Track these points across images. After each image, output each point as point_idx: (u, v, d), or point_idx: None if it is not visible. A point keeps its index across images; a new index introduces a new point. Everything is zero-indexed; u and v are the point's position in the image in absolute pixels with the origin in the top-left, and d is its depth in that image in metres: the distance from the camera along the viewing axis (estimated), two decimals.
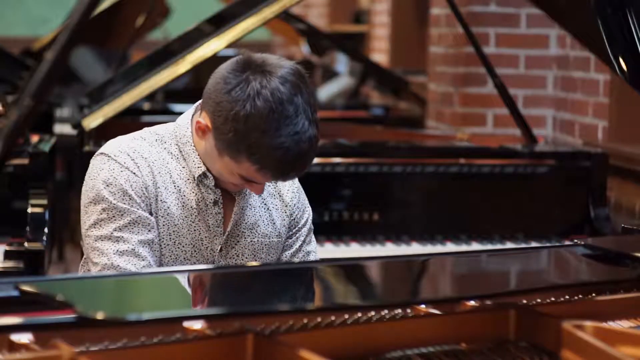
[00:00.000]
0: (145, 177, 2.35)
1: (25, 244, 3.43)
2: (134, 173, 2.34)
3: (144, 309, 1.84)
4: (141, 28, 6.35)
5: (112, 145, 2.39)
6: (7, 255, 3.39)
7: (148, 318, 1.73)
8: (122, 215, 2.32)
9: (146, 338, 1.67)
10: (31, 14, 10.69)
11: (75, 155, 3.90)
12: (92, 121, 3.84)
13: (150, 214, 2.35)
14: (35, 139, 3.88)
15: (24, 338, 1.63)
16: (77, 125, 3.90)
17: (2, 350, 1.63)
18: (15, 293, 1.80)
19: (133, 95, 3.86)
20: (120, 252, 2.32)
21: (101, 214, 2.33)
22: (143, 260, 2.32)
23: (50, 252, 3.68)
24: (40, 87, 2.04)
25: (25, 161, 3.57)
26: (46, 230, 3.48)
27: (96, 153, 2.39)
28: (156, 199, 2.36)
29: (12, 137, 2.04)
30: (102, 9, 5.28)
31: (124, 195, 2.33)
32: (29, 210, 3.51)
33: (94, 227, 2.34)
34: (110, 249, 2.32)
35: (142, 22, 6.21)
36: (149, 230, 2.34)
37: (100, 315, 1.69)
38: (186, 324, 1.72)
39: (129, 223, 2.33)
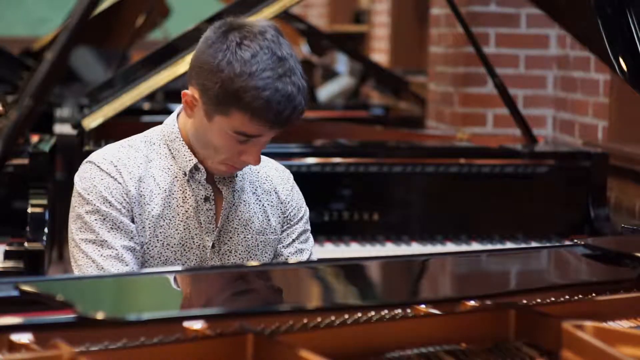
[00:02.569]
0: (127, 182, 2.35)
1: (25, 244, 3.43)
2: (115, 179, 2.35)
3: (144, 309, 1.84)
4: (141, 28, 6.36)
5: (98, 153, 2.40)
6: (7, 255, 3.39)
7: (148, 318, 1.73)
8: (104, 219, 2.33)
9: (146, 338, 1.67)
10: (31, 14, 10.69)
11: (75, 155, 3.89)
12: (92, 121, 3.84)
13: (133, 220, 2.36)
14: (35, 139, 3.88)
15: (24, 338, 1.63)
16: (77, 125, 3.90)
17: (2, 350, 1.63)
18: (15, 293, 1.80)
19: (133, 95, 3.86)
20: (105, 256, 2.32)
21: (84, 217, 2.34)
22: (127, 265, 2.33)
23: (50, 252, 3.68)
24: (40, 87, 2.05)
25: (25, 161, 3.58)
26: (46, 230, 3.49)
27: (84, 161, 2.40)
28: (139, 204, 2.36)
29: (12, 137, 2.04)
30: (102, 9, 5.28)
31: (104, 201, 2.34)
32: (29, 210, 3.51)
33: (80, 231, 2.35)
34: (95, 253, 2.33)
35: (142, 22, 6.22)
36: (131, 238, 2.35)
37: (100, 315, 1.69)
38: (186, 324, 1.72)
39: (111, 228, 2.33)
